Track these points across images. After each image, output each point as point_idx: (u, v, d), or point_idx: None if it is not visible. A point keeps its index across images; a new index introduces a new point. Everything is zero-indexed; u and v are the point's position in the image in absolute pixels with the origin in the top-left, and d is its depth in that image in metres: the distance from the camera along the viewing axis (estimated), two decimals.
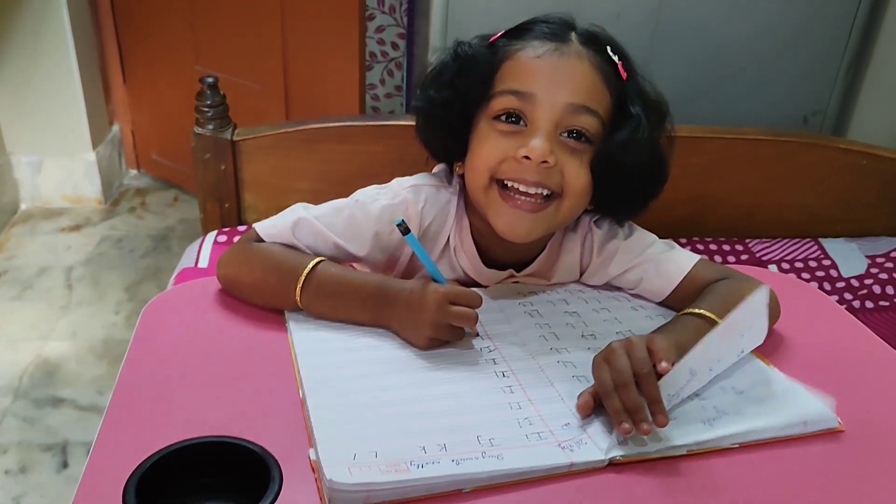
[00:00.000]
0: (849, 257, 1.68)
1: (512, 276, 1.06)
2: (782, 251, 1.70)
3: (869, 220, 1.77)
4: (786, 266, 1.66)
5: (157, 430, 0.76)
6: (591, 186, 0.96)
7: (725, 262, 1.65)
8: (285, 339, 0.92)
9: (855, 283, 1.62)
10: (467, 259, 1.04)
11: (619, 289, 1.07)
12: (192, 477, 0.68)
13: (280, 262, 0.95)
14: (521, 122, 0.94)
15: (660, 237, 1.07)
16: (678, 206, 1.67)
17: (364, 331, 0.92)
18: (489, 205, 0.96)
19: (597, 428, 0.78)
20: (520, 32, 0.99)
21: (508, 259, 1.05)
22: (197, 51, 2.61)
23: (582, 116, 0.93)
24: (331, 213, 0.99)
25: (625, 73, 0.97)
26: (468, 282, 1.05)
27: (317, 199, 1.06)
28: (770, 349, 0.95)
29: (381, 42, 2.70)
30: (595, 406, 0.81)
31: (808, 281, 1.62)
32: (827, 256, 1.68)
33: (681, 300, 1.00)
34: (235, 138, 1.57)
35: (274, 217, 0.99)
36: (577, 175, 0.94)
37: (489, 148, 0.95)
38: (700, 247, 1.68)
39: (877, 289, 1.61)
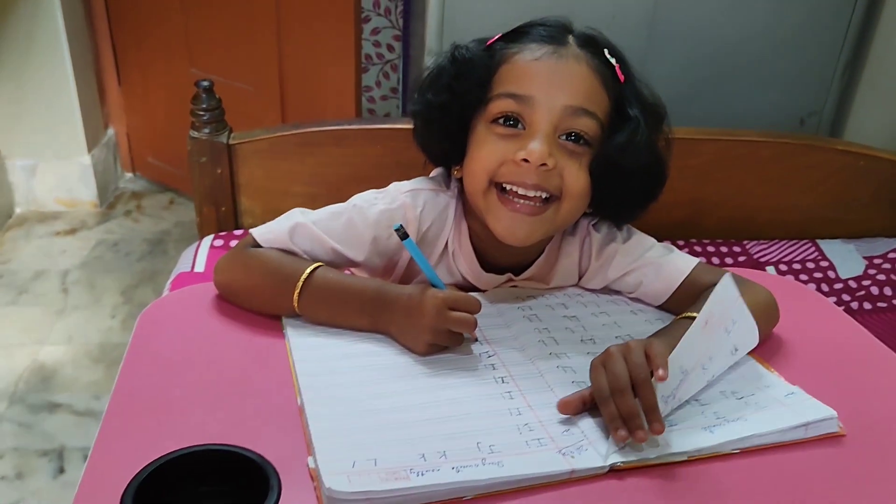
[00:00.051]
0: (846, 258, 1.68)
1: (510, 280, 1.05)
2: (780, 253, 1.70)
3: (866, 221, 1.77)
4: (783, 268, 1.66)
5: (155, 438, 0.75)
6: (590, 189, 0.95)
7: (723, 263, 1.65)
8: (283, 345, 0.91)
9: (853, 284, 1.62)
10: (466, 263, 1.03)
11: (617, 292, 1.07)
12: (190, 486, 0.67)
13: (277, 267, 0.94)
14: (520, 126, 0.93)
15: (657, 239, 1.07)
16: (675, 208, 1.67)
17: (362, 337, 0.92)
18: (488, 208, 0.96)
19: (598, 434, 0.78)
20: (517, 35, 0.99)
21: (507, 263, 1.05)
22: (192, 54, 2.60)
23: (580, 119, 0.92)
24: (328, 218, 0.99)
25: (622, 76, 0.97)
26: (466, 286, 1.04)
27: (313, 202, 1.05)
28: (769, 353, 0.95)
29: (376, 44, 2.69)
30: (582, 409, 0.81)
31: (805, 282, 1.62)
32: (825, 258, 1.68)
33: (680, 304, 1.00)
34: (231, 142, 1.57)
35: (271, 222, 0.99)
36: (576, 178, 0.93)
37: (487, 151, 0.94)
38: (698, 249, 1.68)
39: (875, 290, 1.61)
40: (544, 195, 0.93)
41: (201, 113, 1.55)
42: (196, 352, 0.90)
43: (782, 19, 1.87)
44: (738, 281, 0.98)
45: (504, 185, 0.94)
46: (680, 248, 1.56)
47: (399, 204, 1.00)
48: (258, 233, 0.98)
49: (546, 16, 1.00)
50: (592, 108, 0.93)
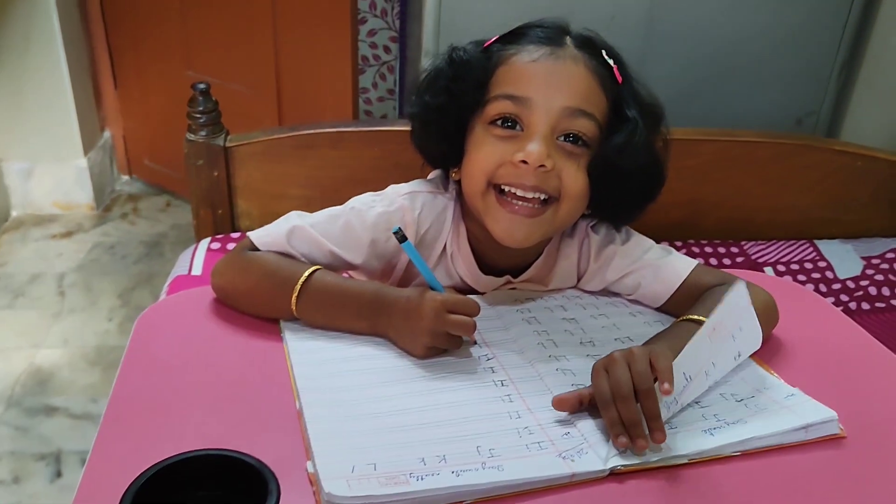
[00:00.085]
0: (844, 259, 1.68)
1: (509, 282, 1.05)
2: (778, 253, 1.69)
3: (864, 222, 1.77)
4: (782, 268, 1.66)
5: (153, 442, 0.75)
6: (589, 190, 0.95)
7: (721, 264, 1.65)
8: (281, 349, 0.91)
9: (851, 284, 1.62)
10: (464, 265, 1.03)
11: (616, 294, 1.07)
12: (189, 490, 0.67)
13: (275, 270, 0.94)
14: (518, 127, 0.93)
15: (655, 240, 1.07)
16: (673, 208, 1.66)
17: (361, 340, 0.91)
18: (486, 210, 0.95)
19: (598, 437, 0.78)
20: (514, 37, 0.99)
21: (506, 265, 1.04)
22: (188, 56, 2.60)
23: (578, 120, 0.92)
24: (326, 220, 0.98)
25: (620, 77, 0.97)
26: (465, 288, 1.04)
27: (310, 205, 1.05)
28: (769, 354, 0.95)
29: (373, 46, 2.69)
30: (578, 408, 0.81)
31: (804, 283, 1.62)
32: (822, 258, 1.68)
33: (679, 305, 1.00)
34: (228, 144, 1.56)
35: (268, 225, 0.99)
36: (574, 179, 0.93)
37: (486, 153, 0.94)
38: (695, 249, 1.68)
39: (872, 290, 1.61)
40: (543, 196, 0.93)
41: (198, 115, 1.54)
42: (194, 356, 0.90)
43: (779, 20, 1.87)
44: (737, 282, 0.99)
45: (502, 187, 0.94)
46: (678, 248, 1.56)
47: (397, 206, 1.00)
48: (255, 236, 0.98)
49: (543, 17, 0.99)
50: (590, 109, 0.93)
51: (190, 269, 1.53)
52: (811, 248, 1.71)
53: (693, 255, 1.54)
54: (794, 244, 1.72)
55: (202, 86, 1.55)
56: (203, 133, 1.55)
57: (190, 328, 0.96)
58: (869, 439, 0.82)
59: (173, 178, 2.86)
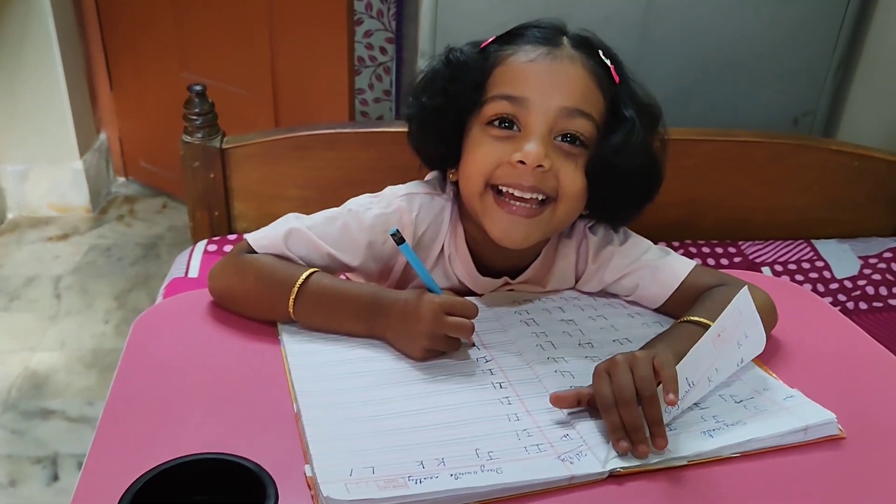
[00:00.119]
0: (842, 258, 1.68)
1: (507, 283, 1.05)
2: (775, 253, 1.69)
3: (861, 221, 1.77)
4: (779, 268, 1.66)
5: (150, 446, 0.75)
6: (586, 190, 0.95)
7: (719, 264, 1.65)
8: (278, 351, 0.90)
9: (848, 284, 1.62)
10: (462, 267, 1.03)
11: (614, 295, 1.07)
12: (187, 495, 0.66)
13: (272, 273, 0.94)
14: (515, 127, 0.93)
15: (653, 241, 1.07)
16: (670, 208, 1.66)
17: (358, 342, 0.91)
18: (484, 211, 0.95)
19: (597, 439, 0.77)
20: (511, 38, 0.98)
21: (503, 266, 1.04)
22: (184, 57, 2.59)
23: (576, 120, 0.92)
24: (323, 222, 0.98)
25: (617, 77, 0.97)
26: (463, 290, 1.04)
27: (307, 206, 1.04)
28: (767, 355, 0.94)
29: (369, 47, 2.69)
30: (575, 406, 0.81)
31: (801, 283, 1.62)
32: (820, 258, 1.68)
33: (677, 307, 0.99)
34: (224, 146, 1.56)
35: (266, 228, 0.98)
36: (572, 179, 0.93)
37: (483, 154, 0.94)
38: (693, 250, 1.68)
39: (870, 290, 1.61)
40: (540, 197, 0.93)
41: (194, 117, 1.54)
42: (191, 359, 0.90)
43: (776, 19, 1.87)
44: (736, 284, 0.99)
45: (500, 188, 0.93)
46: (675, 248, 1.56)
47: (394, 208, 1.00)
48: (253, 238, 0.98)
49: (540, 18, 0.99)
50: (588, 109, 0.93)
51: (186, 272, 1.52)
52: (808, 248, 1.71)
53: (691, 256, 1.54)
54: (791, 244, 1.72)
55: (198, 87, 1.54)
56: (199, 135, 1.55)
57: (187, 331, 0.95)
58: (868, 440, 0.82)
59: (170, 179, 2.85)
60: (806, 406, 0.84)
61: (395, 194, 1.02)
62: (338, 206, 1.01)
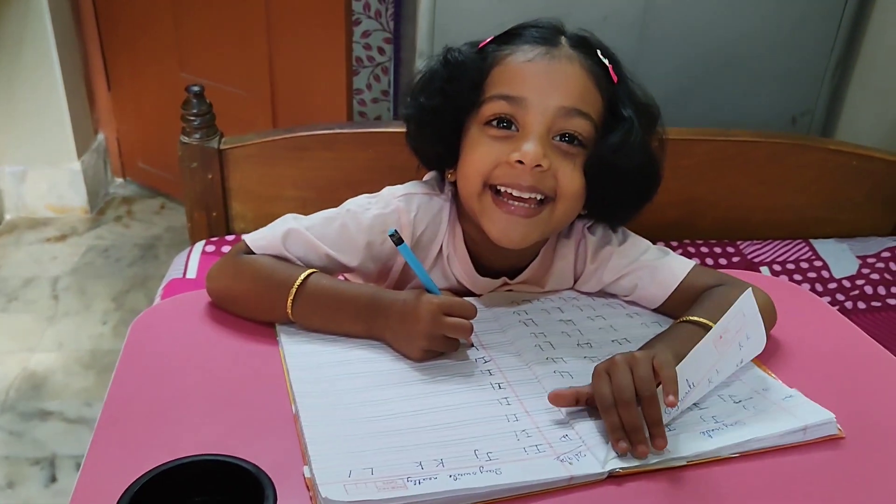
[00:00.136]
0: (840, 258, 1.68)
1: (505, 283, 1.05)
2: (774, 253, 1.69)
3: (859, 221, 1.77)
4: (777, 268, 1.66)
5: (148, 447, 0.75)
6: (585, 190, 0.95)
7: (717, 264, 1.65)
8: (277, 352, 0.90)
9: (847, 283, 1.62)
10: (461, 267, 1.03)
11: (613, 296, 1.06)
12: (185, 496, 0.66)
13: (271, 274, 0.94)
14: (513, 127, 0.93)
15: (651, 240, 1.07)
16: (669, 208, 1.66)
17: (357, 343, 0.91)
18: (483, 211, 0.95)
19: (596, 439, 0.77)
20: (509, 38, 0.98)
21: (502, 266, 1.04)
22: (182, 58, 2.59)
23: (574, 119, 0.92)
24: (322, 223, 0.98)
25: (615, 77, 0.96)
26: (461, 290, 1.04)
27: (305, 207, 1.04)
28: (766, 355, 0.94)
29: (367, 47, 2.69)
30: (573, 405, 0.81)
31: (800, 282, 1.62)
32: (818, 257, 1.68)
33: (676, 307, 0.99)
34: (222, 147, 1.56)
35: (264, 228, 0.98)
36: (570, 179, 0.93)
37: (481, 154, 0.94)
38: (691, 249, 1.68)
39: (868, 289, 1.61)
40: (539, 197, 0.93)
41: (192, 118, 1.54)
42: (189, 360, 0.89)
43: (774, 19, 1.87)
44: (735, 284, 0.99)
45: (498, 188, 0.93)
46: (674, 248, 1.56)
47: (393, 208, 0.99)
48: (251, 239, 0.97)
49: (538, 18, 0.99)
50: (586, 109, 0.93)
51: (185, 273, 1.52)
52: (807, 248, 1.71)
53: (689, 255, 1.54)
54: (789, 244, 1.72)
55: (196, 88, 1.54)
56: (197, 135, 1.55)
57: (185, 332, 0.95)
58: (867, 439, 0.82)
59: (168, 180, 2.85)
60: (805, 406, 0.83)
61: (393, 195, 1.01)
62: (336, 206, 1.01)
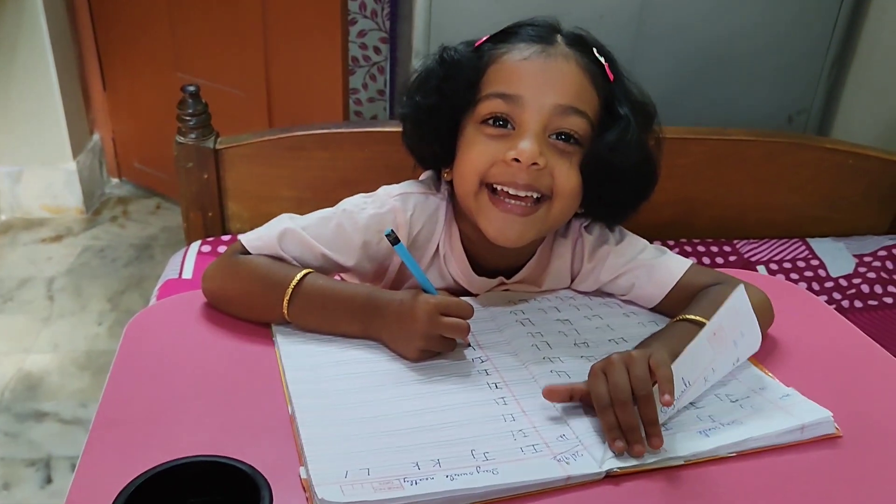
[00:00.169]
0: (836, 257, 1.69)
1: (502, 283, 1.04)
2: (770, 252, 1.69)
3: (856, 220, 1.77)
4: (774, 267, 1.66)
5: (143, 449, 0.74)
6: (581, 189, 0.95)
7: (714, 263, 1.65)
8: (273, 353, 0.90)
9: (843, 282, 1.62)
10: (457, 266, 1.02)
11: (610, 295, 1.06)
12: (180, 497, 0.66)
13: (267, 274, 0.93)
14: (509, 126, 0.92)
15: (648, 240, 1.06)
16: (665, 207, 1.66)
17: (353, 343, 0.90)
18: (479, 210, 0.95)
19: (593, 439, 0.77)
20: (505, 36, 0.98)
21: (499, 265, 1.04)
22: (178, 57, 2.58)
23: (570, 117, 0.92)
24: (317, 223, 0.98)
25: (612, 75, 0.96)
26: (458, 290, 1.03)
27: (301, 206, 1.04)
28: (763, 354, 0.94)
29: (363, 46, 2.68)
30: (567, 400, 0.81)
31: (796, 281, 1.62)
32: (815, 256, 1.68)
33: (673, 306, 0.99)
34: (218, 147, 1.56)
35: (259, 228, 0.98)
36: (567, 177, 0.93)
37: (477, 152, 0.93)
38: (688, 248, 1.68)
39: (865, 288, 1.61)
40: (535, 195, 0.93)
41: (187, 118, 1.53)
42: (185, 361, 0.89)
43: (770, 17, 1.87)
44: (732, 283, 0.98)
45: (495, 186, 0.93)
46: (670, 247, 1.56)
47: (389, 208, 0.99)
48: (246, 239, 0.97)
49: (534, 16, 0.99)
50: (582, 107, 0.92)
51: (180, 273, 1.52)
52: (803, 247, 1.71)
53: (686, 254, 1.54)
54: (786, 243, 1.72)
55: (192, 88, 1.54)
56: (193, 135, 1.54)
57: (181, 333, 0.95)
58: (864, 438, 0.82)
59: (163, 180, 2.85)
60: (802, 405, 0.83)
61: (389, 194, 1.01)
62: (332, 206, 1.01)
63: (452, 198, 1.01)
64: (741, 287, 0.83)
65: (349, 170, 1.56)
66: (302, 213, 1.00)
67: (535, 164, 0.90)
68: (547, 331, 0.96)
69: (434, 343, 0.87)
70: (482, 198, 0.94)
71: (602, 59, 0.96)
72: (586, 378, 0.81)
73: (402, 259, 0.93)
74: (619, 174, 0.95)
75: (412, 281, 0.98)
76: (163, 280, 1.53)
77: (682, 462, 0.76)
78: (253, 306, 0.94)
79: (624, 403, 0.76)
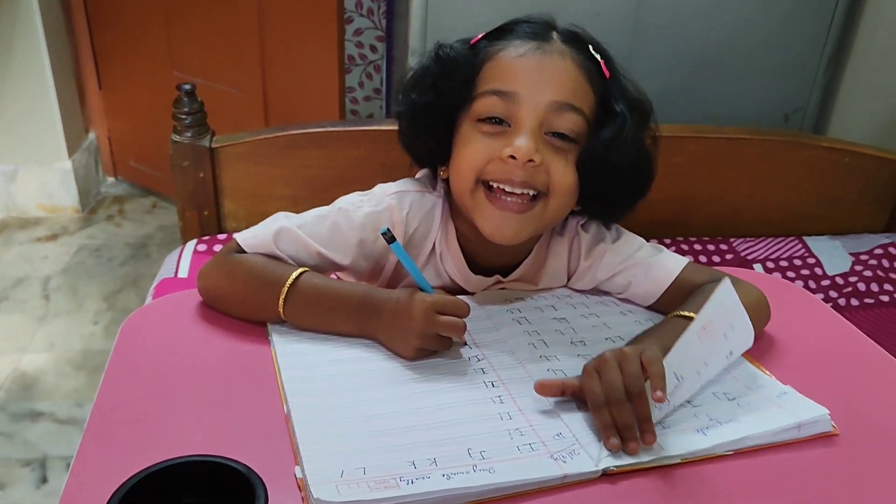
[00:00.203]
0: (833, 255, 1.69)
1: (499, 281, 1.04)
2: (767, 250, 1.69)
3: (852, 218, 1.77)
4: (771, 265, 1.66)
5: (138, 448, 0.74)
6: (578, 186, 0.94)
7: (710, 262, 1.65)
8: (268, 352, 0.90)
9: (840, 280, 1.62)
10: (454, 264, 1.02)
11: (607, 293, 1.06)
12: (175, 497, 0.66)
13: (262, 273, 0.93)
14: (505, 123, 0.92)
15: (644, 238, 1.06)
16: (662, 206, 1.66)
17: (349, 342, 0.90)
18: (475, 207, 0.94)
19: (589, 437, 0.77)
20: (501, 33, 0.98)
21: (495, 263, 1.03)
22: (173, 56, 2.58)
23: (566, 114, 0.91)
24: (313, 221, 0.97)
25: (608, 72, 0.96)
26: (455, 288, 1.03)
27: (297, 205, 1.04)
28: (760, 352, 0.94)
29: (359, 45, 2.68)
30: (559, 396, 0.81)
31: (793, 279, 1.62)
32: (811, 254, 1.68)
33: (670, 304, 0.99)
34: (214, 145, 1.55)
35: (255, 227, 0.97)
36: (563, 174, 0.92)
37: (473, 149, 0.93)
38: (685, 247, 1.68)
39: (861, 286, 1.61)
40: (532, 192, 0.92)
41: (183, 116, 1.53)
42: (180, 360, 0.89)
43: (766, 15, 1.87)
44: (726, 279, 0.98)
45: (491, 184, 0.93)
46: (667, 246, 1.56)
47: (385, 206, 0.99)
48: (242, 238, 0.97)
49: (529, 14, 0.99)
50: (578, 104, 0.92)
51: (176, 272, 1.51)
52: (800, 245, 1.71)
53: (682, 253, 1.54)
54: (782, 241, 1.72)
55: (187, 86, 1.54)
56: (189, 134, 1.54)
57: (176, 332, 0.94)
58: (861, 436, 0.82)
59: (159, 179, 2.84)
60: (799, 402, 0.83)
61: (385, 192, 1.01)
62: (328, 204, 1.00)
63: (449, 196, 1.01)
64: (727, 280, 0.82)
65: (345, 168, 1.56)
66: (298, 212, 0.99)
67: (531, 160, 0.89)
68: (543, 329, 0.96)
69: (430, 342, 0.87)
70: (478, 195, 0.94)
71: (598, 56, 0.96)
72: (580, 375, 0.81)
73: (398, 257, 0.92)
74: (616, 171, 0.94)
75: (408, 279, 0.98)
76: (158, 279, 1.52)
77: (679, 460, 0.76)
78: (248, 305, 0.94)
79: (619, 402, 0.76)
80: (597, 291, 1.06)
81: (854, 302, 1.59)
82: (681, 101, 1.90)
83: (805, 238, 1.73)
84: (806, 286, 1.60)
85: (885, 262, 1.65)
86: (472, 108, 0.94)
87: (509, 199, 0.92)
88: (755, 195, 1.73)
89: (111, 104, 2.86)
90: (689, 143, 1.65)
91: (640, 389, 0.76)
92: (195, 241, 1.59)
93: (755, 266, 1.65)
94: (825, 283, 1.62)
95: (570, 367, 0.87)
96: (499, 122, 0.92)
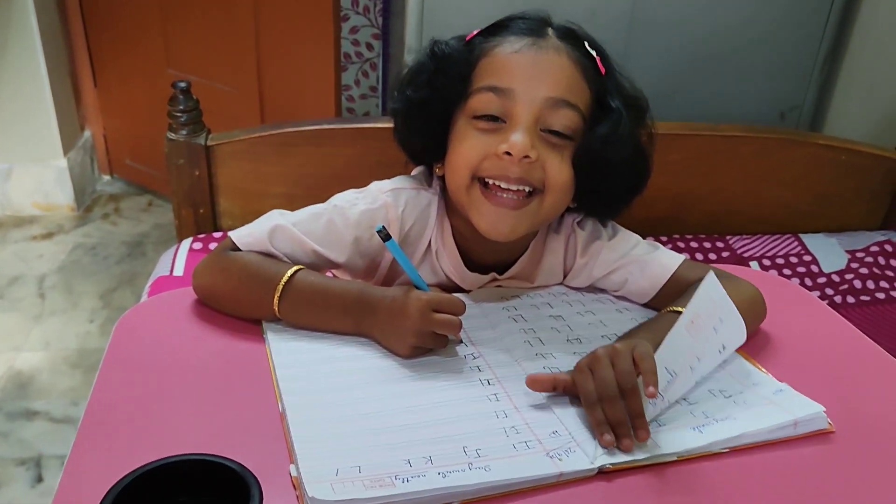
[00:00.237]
0: (829, 252, 1.69)
1: (495, 279, 1.04)
2: (763, 247, 1.70)
3: (848, 215, 1.78)
4: (767, 262, 1.66)
5: (132, 447, 0.74)
6: (573, 183, 0.94)
7: (707, 259, 1.65)
8: (263, 350, 0.89)
9: (836, 278, 1.62)
10: (450, 262, 1.02)
11: (603, 291, 1.06)
12: (170, 496, 0.65)
13: (257, 271, 0.93)
14: (501, 119, 0.92)
15: (640, 235, 1.06)
16: (658, 203, 1.66)
17: (345, 340, 0.90)
18: (471, 204, 0.94)
19: (585, 435, 0.77)
20: (496, 30, 0.98)
21: (491, 261, 1.03)
22: (169, 53, 2.57)
23: (562, 111, 0.91)
24: (308, 219, 0.97)
25: (603, 68, 0.96)
26: (450, 286, 1.03)
27: (293, 203, 1.03)
28: (755, 349, 0.94)
29: (355, 43, 2.68)
30: (551, 391, 0.81)
31: (789, 277, 1.62)
32: (807, 252, 1.68)
33: (666, 301, 0.99)
34: (209, 143, 1.55)
35: (250, 225, 0.97)
36: (558, 170, 0.92)
37: (469, 146, 0.93)
38: (681, 244, 1.68)
39: (857, 283, 1.61)
40: (527, 189, 0.92)
41: (178, 114, 1.53)
42: (174, 358, 0.88)
43: (762, 14, 1.87)
44: (724, 277, 0.98)
45: (486, 180, 0.92)
46: (663, 243, 1.55)
47: (380, 204, 0.99)
48: (237, 236, 0.96)
49: (525, 10, 0.99)
50: (574, 100, 0.92)
51: (172, 270, 1.51)
52: (796, 242, 1.71)
53: (678, 250, 1.54)
54: (778, 238, 1.72)
55: (183, 84, 1.53)
56: (184, 132, 1.54)
57: (171, 330, 0.94)
58: (857, 433, 0.82)
59: (155, 177, 2.83)
60: (795, 400, 0.83)
61: (380, 189, 1.01)
62: (324, 202, 1.00)
63: (444, 193, 1.01)
64: (711, 273, 0.82)
65: (341, 166, 1.56)
66: (293, 210, 0.99)
67: (526, 157, 0.89)
68: (539, 327, 0.95)
69: (426, 340, 0.87)
70: (474, 192, 0.94)
71: (594, 53, 0.95)
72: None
73: (393, 255, 0.92)
74: (612, 168, 0.94)
75: (404, 277, 0.97)
76: (154, 277, 1.52)
77: (675, 458, 0.76)
78: (243, 303, 0.94)
79: (611, 399, 0.76)
80: (593, 289, 1.06)
81: (850, 299, 1.59)
82: (677, 99, 1.90)
83: (801, 235, 1.73)
84: (802, 284, 1.60)
85: (881, 260, 1.65)
86: (467, 104, 0.94)
87: (505, 195, 0.92)
88: (751, 193, 1.73)
89: (106, 102, 2.86)
90: (685, 141, 1.65)
91: (633, 386, 0.76)
92: (191, 239, 1.58)
93: (751, 263, 1.65)
94: (821, 280, 1.62)
95: (566, 365, 0.87)
96: (494, 119, 0.92)
